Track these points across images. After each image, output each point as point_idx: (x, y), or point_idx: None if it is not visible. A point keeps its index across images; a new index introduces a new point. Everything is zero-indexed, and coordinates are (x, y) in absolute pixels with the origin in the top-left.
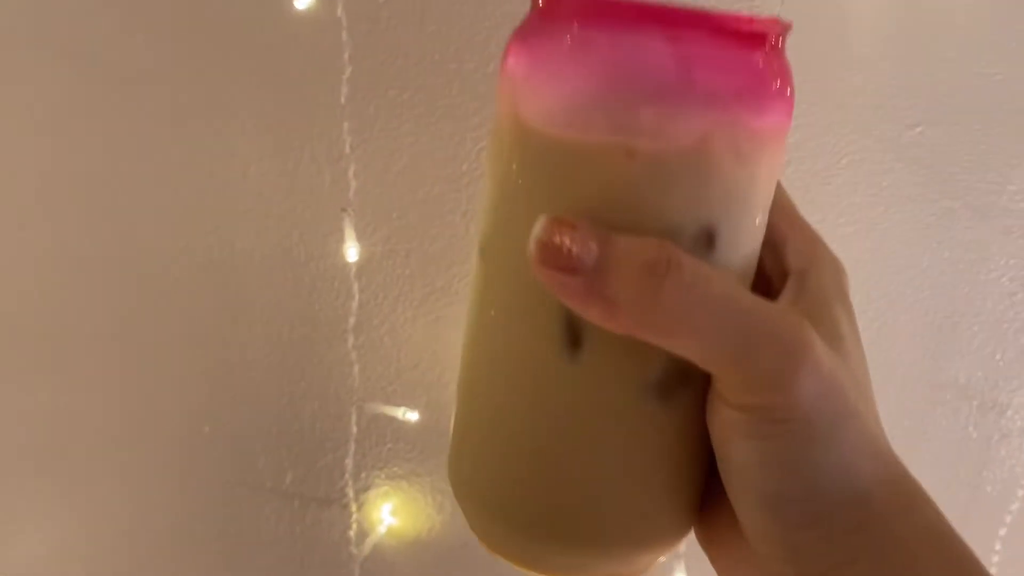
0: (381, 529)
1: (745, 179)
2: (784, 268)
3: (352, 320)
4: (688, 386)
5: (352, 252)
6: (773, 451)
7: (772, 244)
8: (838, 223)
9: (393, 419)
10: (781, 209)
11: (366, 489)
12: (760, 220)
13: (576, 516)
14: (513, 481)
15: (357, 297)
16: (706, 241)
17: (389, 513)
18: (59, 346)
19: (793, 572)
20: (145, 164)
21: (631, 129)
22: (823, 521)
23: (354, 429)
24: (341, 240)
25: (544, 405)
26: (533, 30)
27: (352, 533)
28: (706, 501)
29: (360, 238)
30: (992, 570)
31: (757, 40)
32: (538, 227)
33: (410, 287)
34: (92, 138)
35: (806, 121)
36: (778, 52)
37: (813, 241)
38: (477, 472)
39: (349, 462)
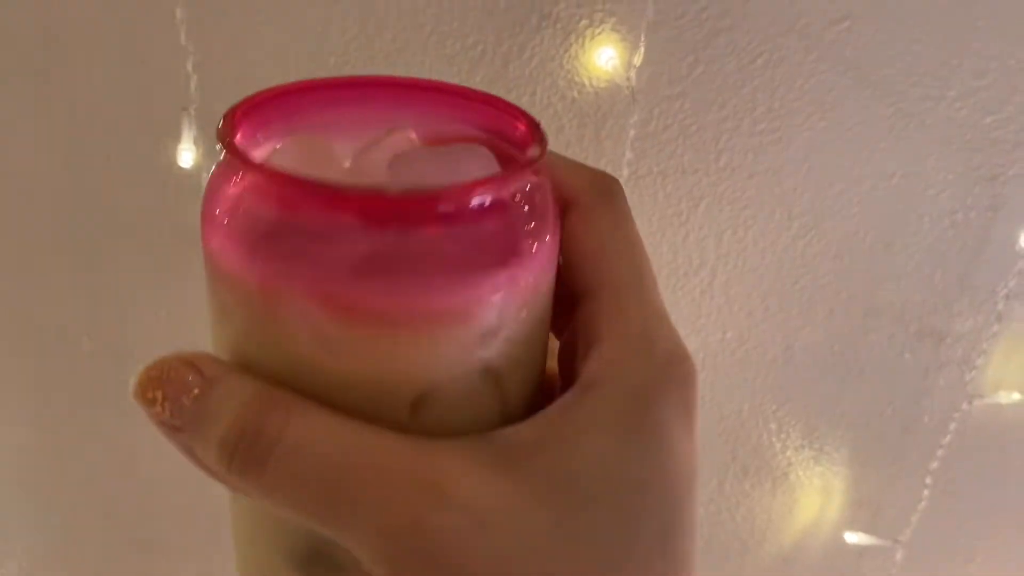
0: None
1: (357, 377)
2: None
3: None
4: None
5: (187, 156)
6: None
7: (586, 345)
8: (754, 131)
9: None
10: (611, 298)
11: None
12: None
13: None
14: None
15: None
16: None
17: None
18: None
19: None
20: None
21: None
22: None
23: None
24: (183, 144)
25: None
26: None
27: None
28: None
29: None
30: (922, 504)
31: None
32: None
33: None
34: None
35: (712, 14)
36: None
37: (637, 340)
38: None
39: None
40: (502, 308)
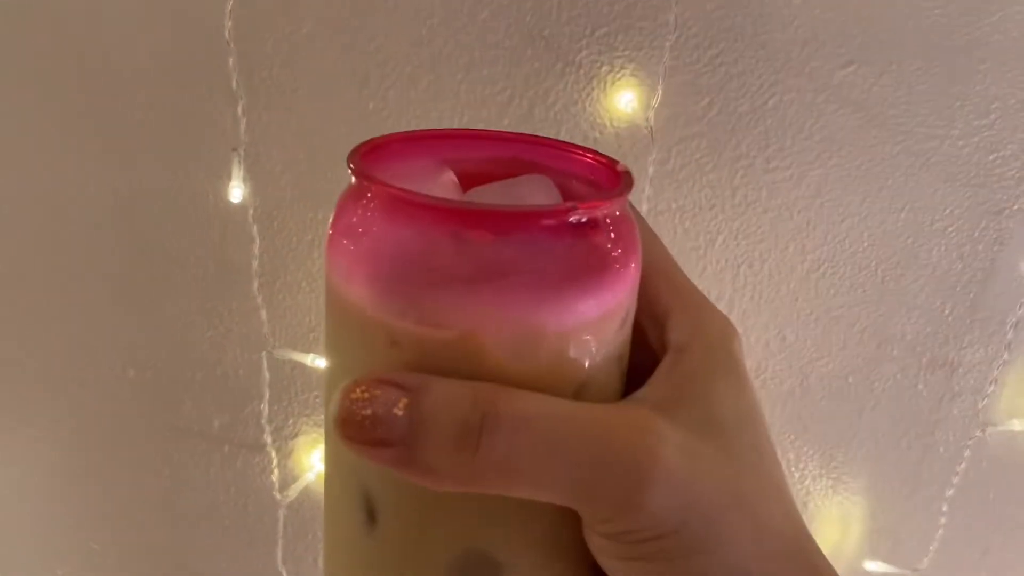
0: (310, 475)
1: (529, 374)
2: (666, 345)
3: (255, 264)
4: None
5: (237, 193)
6: (657, 571)
7: (655, 319)
8: (768, 169)
9: (315, 367)
10: (663, 277)
11: (295, 436)
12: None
13: None
14: None
15: (258, 241)
16: None
17: (320, 460)
18: None
19: None
20: (52, 105)
21: (393, 313)
22: None
23: (266, 375)
24: (233, 182)
25: None
26: (344, 204)
27: (275, 479)
28: None
29: (267, 181)
30: (939, 532)
31: (549, 228)
32: (335, 399)
33: (324, 232)
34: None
35: (727, 60)
36: (587, 233)
37: (698, 309)
38: None
39: (264, 408)
40: (631, 298)
